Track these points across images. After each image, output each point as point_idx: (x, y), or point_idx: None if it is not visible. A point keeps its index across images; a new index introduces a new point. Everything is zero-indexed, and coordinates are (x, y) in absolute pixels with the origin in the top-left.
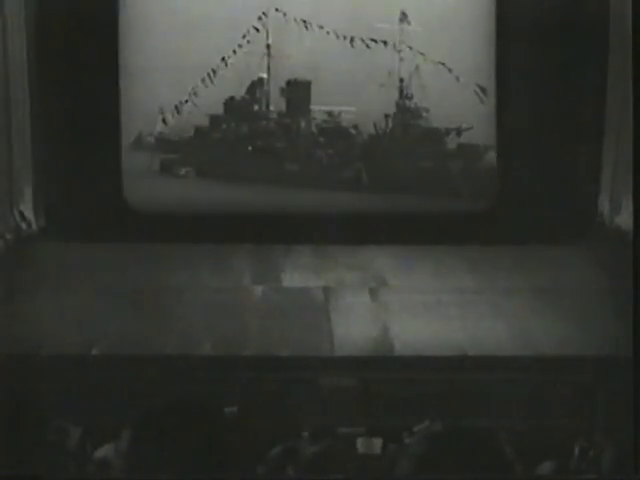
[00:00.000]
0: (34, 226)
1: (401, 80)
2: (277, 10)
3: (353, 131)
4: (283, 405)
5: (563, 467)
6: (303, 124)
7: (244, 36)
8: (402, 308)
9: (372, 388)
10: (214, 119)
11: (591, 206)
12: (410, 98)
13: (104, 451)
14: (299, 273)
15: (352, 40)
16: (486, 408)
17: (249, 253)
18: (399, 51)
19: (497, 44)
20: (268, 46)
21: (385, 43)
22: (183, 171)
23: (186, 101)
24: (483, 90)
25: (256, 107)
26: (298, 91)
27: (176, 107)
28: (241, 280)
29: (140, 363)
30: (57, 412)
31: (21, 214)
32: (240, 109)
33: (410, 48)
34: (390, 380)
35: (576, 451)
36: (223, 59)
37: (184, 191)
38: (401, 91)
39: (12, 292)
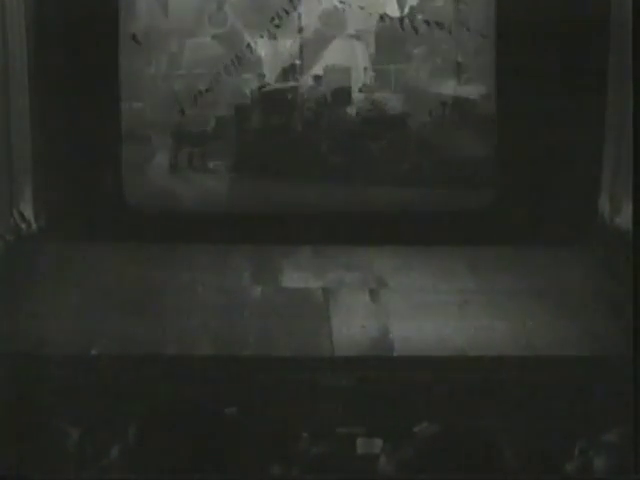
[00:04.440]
0: (34, 226)
1: (458, 64)
2: None
3: (405, 120)
4: (283, 405)
5: (563, 467)
6: (343, 113)
7: (272, 19)
8: (402, 308)
9: (372, 388)
10: (240, 109)
11: (591, 206)
12: (469, 83)
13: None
14: (299, 273)
15: (401, 22)
16: (486, 408)
17: (249, 253)
18: (450, 32)
19: (497, 43)
20: (300, 30)
21: (439, 24)
22: (212, 165)
23: (207, 90)
24: None
25: (289, 96)
26: (336, 78)
27: (195, 97)
28: (241, 280)
29: (140, 363)
30: (57, 412)
31: (21, 214)
32: (271, 98)
33: (468, 30)
34: (390, 380)
35: (576, 451)
36: (248, 45)
37: (200, 188)
38: (459, 76)
39: (12, 292)
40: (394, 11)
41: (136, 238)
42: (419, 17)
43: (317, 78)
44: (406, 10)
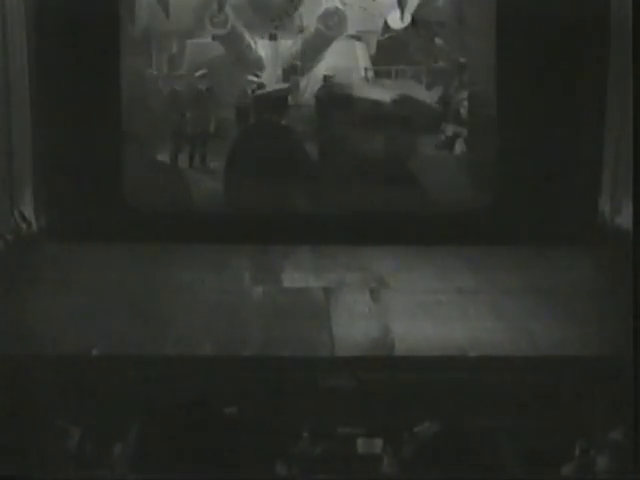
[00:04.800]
0: (34, 226)
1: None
2: None
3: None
4: (283, 405)
5: (564, 467)
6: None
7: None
8: (402, 308)
9: (372, 388)
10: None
11: (591, 206)
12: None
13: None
14: (299, 273)
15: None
16: (486, 408)
17: (249, 253)
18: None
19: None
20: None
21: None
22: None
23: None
24: None
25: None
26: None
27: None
28: (241, 280)
29: (140, 363)
30: (57, 412)
31: (21, 214)
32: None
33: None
34: (390, 380)
35: (576, 451)
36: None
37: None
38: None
39: (12, 292)
40: (395, 13)
41: (136, 238)
42: (420, 18)
43: (327, 78)
44: (406, 13)
